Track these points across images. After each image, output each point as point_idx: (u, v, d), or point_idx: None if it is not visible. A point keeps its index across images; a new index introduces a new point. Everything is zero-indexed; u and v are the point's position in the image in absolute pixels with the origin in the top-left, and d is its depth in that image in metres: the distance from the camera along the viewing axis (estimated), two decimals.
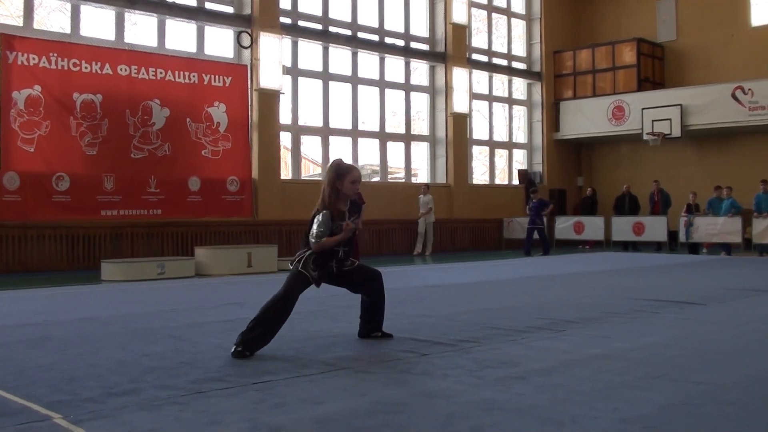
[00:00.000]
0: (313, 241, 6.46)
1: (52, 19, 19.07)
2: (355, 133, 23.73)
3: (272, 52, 20.68)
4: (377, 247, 22.70)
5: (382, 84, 24.54)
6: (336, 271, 6.72)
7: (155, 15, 19.40)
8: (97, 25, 18.90)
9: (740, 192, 22.71)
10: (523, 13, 29.60)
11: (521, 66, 29.46)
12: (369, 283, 6.90)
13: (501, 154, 29.19)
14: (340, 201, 6.62)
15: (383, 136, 24.59)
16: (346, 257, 6.76)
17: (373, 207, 21.22)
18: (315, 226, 6.46)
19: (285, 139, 22.02)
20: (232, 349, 6.19)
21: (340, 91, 23.49)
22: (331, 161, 6.96)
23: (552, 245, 26.12)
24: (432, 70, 25.95)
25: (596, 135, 28.72)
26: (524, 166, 29.34)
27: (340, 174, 6.62)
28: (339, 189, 6.59)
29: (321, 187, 6.67)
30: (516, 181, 28.70)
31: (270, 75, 20.63)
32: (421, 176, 26.11)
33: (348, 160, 23.22)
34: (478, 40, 28.05)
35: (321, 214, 6.48)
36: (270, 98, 20.72)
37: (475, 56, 27.35)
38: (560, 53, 29.80)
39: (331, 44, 22.94)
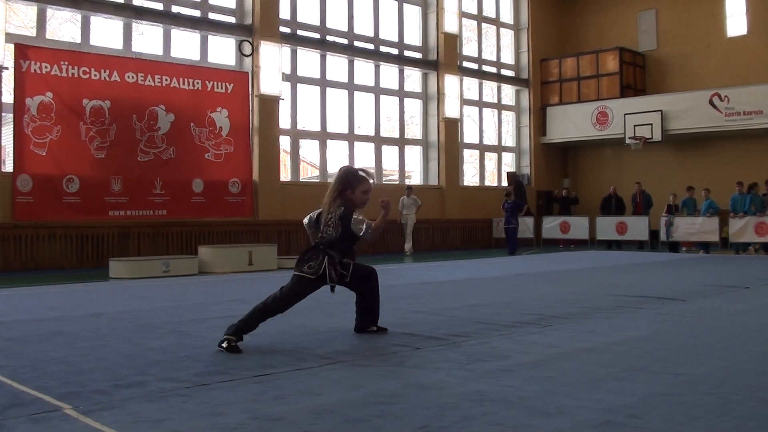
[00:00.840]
0: (369, 232, 6.48)
1: (64, 29, 19.05)
2: (351, 137, 23.72)
3: (272, 59, 20.67)
4: (372, 246, 22.67)
5: (377, 90, 24.54)
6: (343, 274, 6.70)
7: (161, 25, 19.40)
8: (106, 35, 18.89)
9: (717, 193, 22.76)
10: (512, 23, 29.62)
11: (509, 73, 29.47)
12: (365, 280, 6.89)
13: (490, 157, 29.20)
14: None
15: (378, 140, 24.59)
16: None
17: (368, 207, 21.21)
18: (361, 224, 6.47)
19: (284, 142, 22.02)
20: (226, 344, 6.09)
21: (337, 97, 23.49)
22: (340, 168, 6.89)
23: (540, 244, 26.20)
24: (425, 77, 25.96)
25: (581, 139, 28.77)
26: (513, 169, 29.33)
27: (352, 184, 6.59)
28: (350, 198, 6.57)
29: (331, 190, 6.61)
30: (505, 183, 28.69)
31: (270, 82, 20.62)
32: (415, 179, 26.11)
33: (344, 162, 23.40)
34: (469, 48, 28.05)
35: (356, 213, 6.51)
36: (270, 104, 20.71)
37: (466, 64, 27.37)
38: (546, 61, 29.83)
39: (328, 52, 22.94)
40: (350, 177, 6.61)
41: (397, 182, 25.32)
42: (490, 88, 28.97)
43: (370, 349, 6.22)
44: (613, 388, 4.75)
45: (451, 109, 25.77)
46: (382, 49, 24.63)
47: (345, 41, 23.46)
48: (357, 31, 23.98)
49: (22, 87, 16.70)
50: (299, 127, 22.50)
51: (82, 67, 17.52)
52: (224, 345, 6.09)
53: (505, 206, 22.66)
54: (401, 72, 25.37)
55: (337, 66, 23.51)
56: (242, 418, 4.12)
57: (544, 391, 4.70)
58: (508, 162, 29.70)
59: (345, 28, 23.64)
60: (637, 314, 8.24)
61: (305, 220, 6.93)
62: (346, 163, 23.50)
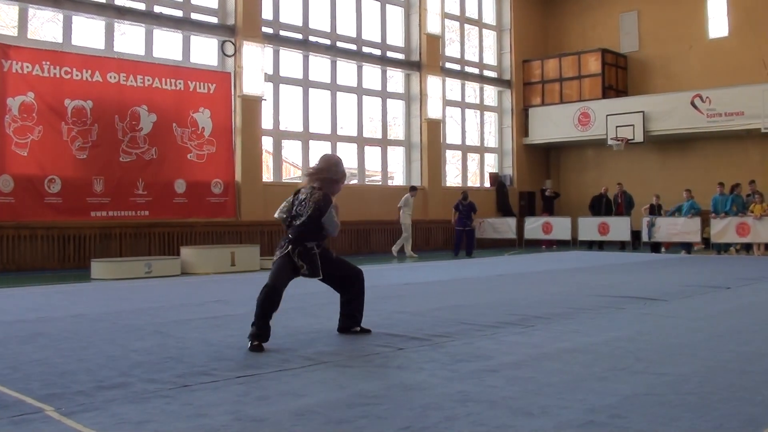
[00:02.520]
0: (336, 224, 6.65)
1: (46, 29, 18.94)
2: (333, 138, 23.67)
3: (255, 60, 20.62)
4: (355, 246, 22.67)
5: (359, 91, 24.51)
6: (323, 262, 6.72)
7: (143, 25, 19.31)
8: (88, 34, 18.78)
9: (699, 194, 22.86)
10: (494, 24, 29.65)
11: (492, 74, 29.50)
12: (350, 280, 6.90)
13: (473, 158, 29.22)
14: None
15: (361, 141, 24.57)
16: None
17: (352, 208, 21.16)
18: (335, 217, 6.62)
19: (267, 143, 21.95)
20: (248, 345, 6.24)
21: (319, 98, 23.45)
22: (332, 156, 6.96)
23: (522, 245, 26.25)
24: (407, 78, 25.96)
25: (563, 140, 28.81)
26: (495, 170, 29.37)
27: (340, 178, 6.72)
28: (334, 187, 6.69)
29: (324, 174, 6.67)
30: (487, 184, 28.76)
31: (252, 82, 20.56)
32: (397, 179, 26.10)
33: None
34: (451, 49, 28.07)
35: (333, 207, 6.64)
36: (252, 104, 20.65)
37: (449, 65, 27.37)
38: (529, 62, 29.88)
39: (311, 53, 22.90)
40: (341, 168, 6.79)
41: (380, 183, 25.33)
42: (472, 89, 28.99)
43: (354, 350, 6.22)
44: (596, 388, 4.77)
45: (433, 110, 25.78)
46: (365, 49, 24.61)
47: (328, 42, 23.43)
48: (340, 31, 23.94)
49: (4, 87, 16.57)
50: (282, 127, 22.44)
51: (63, 67, 17.41)
52: (250, 347, 6.24)
53: (460, 207, 22.25)
54: (384, 73, 25.36)
55: (320, 67, 23.47)
56: (225, 419, 4.11)
57: (527, 391, 4.72)
58: (491, 163, 29.72)
59: (328, 29, 23.59)
60: (619, 315, 8.28)
61: (279, 214, 6.93)
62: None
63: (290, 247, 6.59)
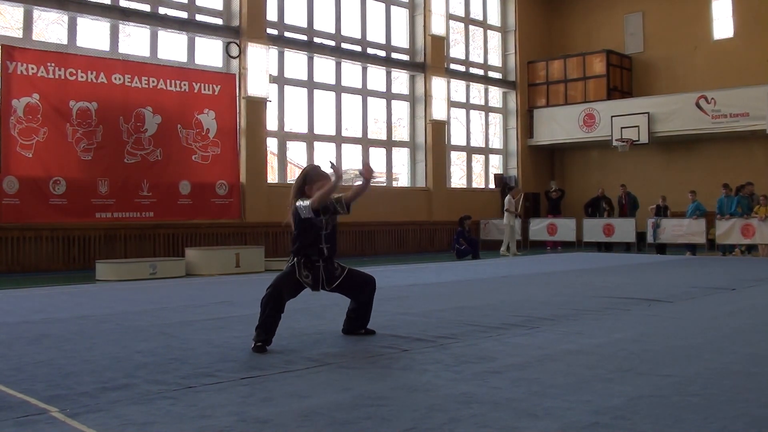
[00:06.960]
0: (307, 204, 6.46)
1: (50, 30, 18.99)
2: (338, 139, 23.69)
3: (259, 61, 20.64)
4: (359, 248, 22.67)
5: (364, 92, 24.52)
6: (327, 277, 6.68)
7: (148, 27, 19.33)
8: (93, 36, 18.81)
9: (704, 195, 22.84)
10: (499, 25, 29.65)
11: (497, 75, 29.50)
12: (361, 287, 6.87)
13: (478, 160, 29.23)
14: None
15: (365, 142, 24.58)
16: (331, 255, 6.72)
17: (356, 210, 21.17)
18: (303, 206, 6.50)
19: (271, 144, 21.98)
20: (252, 345, 6.26)
21: (324, 99, 23.46)
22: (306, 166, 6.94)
23: (527, 246, 26.24)
24: (412, 79, 25.96)
25: (568, 141, 28.79)
26: (500, 171, 29.37)
27: (311, 179, 6.62)
28: (308, 194, 6.57)
29: (295, 194, 6.65)
30: (492, 185, 28.74)
31: (257, 83, 20.59)
32: (402, 181, 26.12)
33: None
34: (456, 50, 28.08)
35: (301, 201, 6.54)
36: (257, 106, 20.68)
37: (453, 66, 27.38)
38: (534, 63, 29.87)
39: (315, 54, 22.91)
40: (311, 173, 6.67)
41: (384, 184, 25.33)
42: (477, 90, 28.99)
43: (358, 351, 6.22)
44: (600, 389, 4.76)
45: (438, 111, 25.76)
46: (370, 51, 24.62)
47: (332, 43, 23.44)
48: (344, 33, 23.95)
49: (9, 88, 16.61)
50: (286, 129, 22.46)
51: (68, 68, 17.44)
52: (253, 348, 6.24)
53: (462, 238, 21.92)
54: (388, 74, 25.37)
55: (325, 68, 23.48)
56: (229, 420, 4.11)
57: (531, 392, 4.71)
58: (496, 164, 29.70)
59: (332, 30, 23.61)
60: (624, 316, 8.27)
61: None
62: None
63: (295, 259, 6.58)
